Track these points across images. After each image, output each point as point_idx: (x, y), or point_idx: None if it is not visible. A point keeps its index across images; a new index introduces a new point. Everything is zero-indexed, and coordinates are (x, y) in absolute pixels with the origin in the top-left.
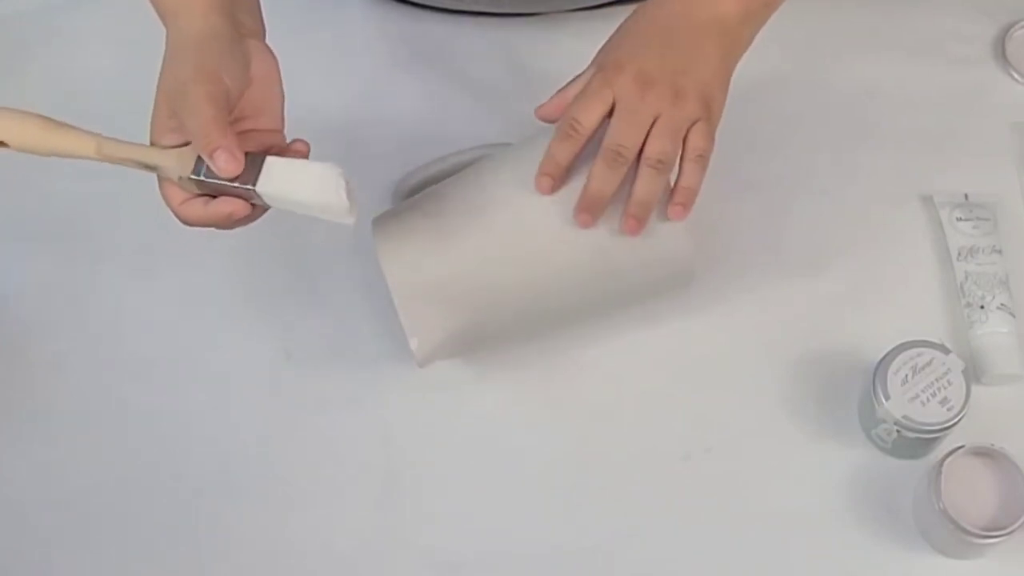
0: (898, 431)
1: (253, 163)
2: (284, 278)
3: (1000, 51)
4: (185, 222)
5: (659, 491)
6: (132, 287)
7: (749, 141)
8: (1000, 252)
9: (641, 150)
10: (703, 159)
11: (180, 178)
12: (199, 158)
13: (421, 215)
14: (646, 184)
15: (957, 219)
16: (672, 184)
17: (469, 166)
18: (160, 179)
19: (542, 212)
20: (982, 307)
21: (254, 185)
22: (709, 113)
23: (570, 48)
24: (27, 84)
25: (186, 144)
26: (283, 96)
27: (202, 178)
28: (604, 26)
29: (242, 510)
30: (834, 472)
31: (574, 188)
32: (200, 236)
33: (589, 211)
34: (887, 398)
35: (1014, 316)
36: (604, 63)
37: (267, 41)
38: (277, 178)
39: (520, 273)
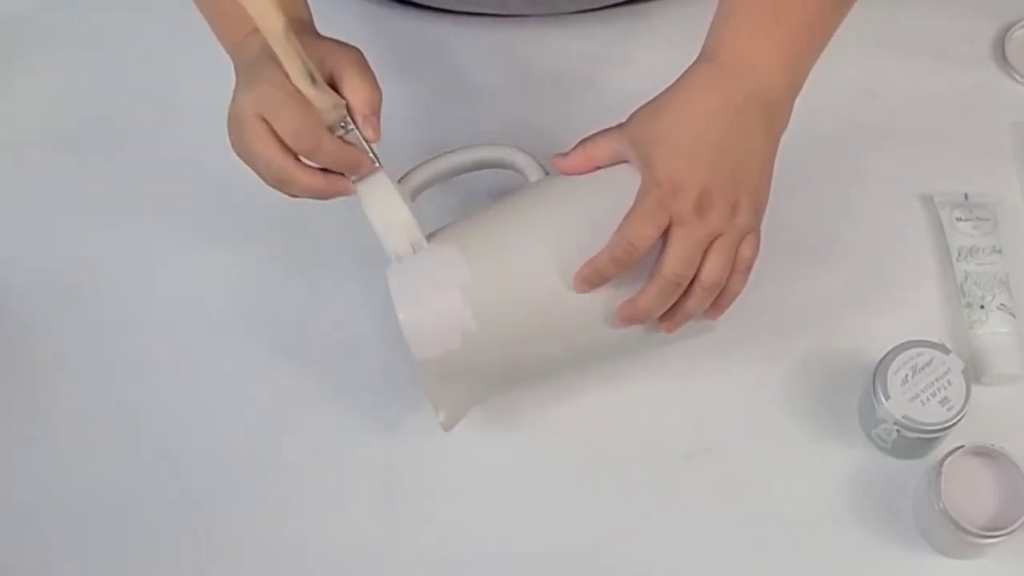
0: (898, 431)
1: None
2: (284, 278)
3: (1000, 51)
4: (308, 154)
5: (659, 491)
6: (132, 287)
7: None
8: (1000, 252)
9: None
10: (749, 270)
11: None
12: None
13: (445, 292)
14: (697, 303)
15: (957, 219)
16: None
17: (491, 217)
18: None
19: (579, 304)
20: (982, 307)
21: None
22: (759, 219)
23: (570, 49)
24: (27, 84)
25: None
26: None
27: (350, 128)
28: (603, 28)
29: (242, 510)
30: (834, 472)
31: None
32: (200, 236)
33: (630, 321)
34: (887, 398)
35: (1014, 316)
36: (658, 177)
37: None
38: (377, 197)
39: (549, 350)
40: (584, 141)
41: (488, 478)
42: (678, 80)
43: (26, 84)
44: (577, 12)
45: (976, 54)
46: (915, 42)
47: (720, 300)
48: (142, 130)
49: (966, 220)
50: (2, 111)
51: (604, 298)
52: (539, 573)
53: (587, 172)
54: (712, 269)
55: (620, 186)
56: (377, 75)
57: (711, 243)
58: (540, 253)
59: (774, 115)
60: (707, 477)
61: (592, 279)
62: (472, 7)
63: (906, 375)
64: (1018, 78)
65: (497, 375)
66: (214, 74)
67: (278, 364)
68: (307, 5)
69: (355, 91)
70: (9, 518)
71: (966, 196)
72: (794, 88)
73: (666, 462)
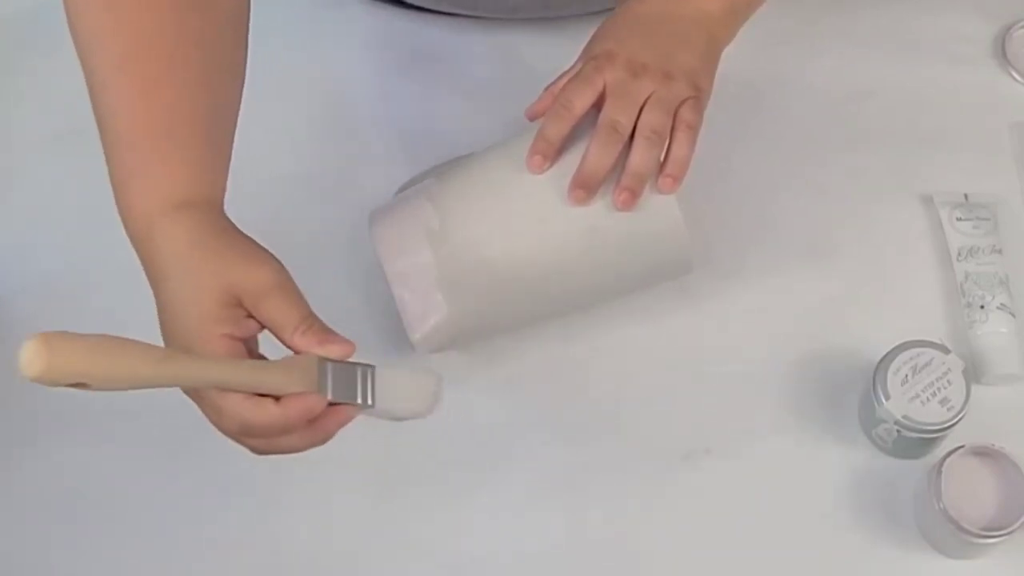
0: (898, 431)
1: (362, 373)
2: None
3: (1000, 51)
4: (265, 431)
5: (659, 491)
6: (132, 287)
7: (749, 141)
8: (1000, 252)
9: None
10: (692, 131)
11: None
12: (320, 369)
13: (415, 205)
14: (640, 155)
15: (957, 219)
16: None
17: (461, 157)
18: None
19: (536, 193)
20: (982, 307)
21: (371, 402)
22: (698, 93)
23: (570, 50)
24: (27, 84)
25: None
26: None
27: (330, 397)
28: None
29: (242, 510)
30: (834, 472)
31: (568, 170)
32: None
33: (584, 187)
34: (887, 398)
35: (1014, 316)
36: (594, 53)
37: (269, 44)
38: (390, 394)
39: (515, 254)
40: (549, 86)
41: (488, 478)
42: (625, 3)
43: (26, 84)
44: (577, 16)
45: (976, 54)
46: (915, 42)
47: (669, 166)
48: None
49: (966, 220)
50: (2, 111)
51: (560, 190)
52: (539, 573)
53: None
54: (647, 118)
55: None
56: (377, 75)
57: (646, 99)
58: (496, 163)
59: (711, 25)
60: (707, 477)
61: (540, 147)
62: (472, 9)
63: (906, 375)
64: (1018, 78)
65: (465, 288)
66: None
67: None
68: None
69: (289, 322)
70: (9, 518)
71: (966, 196)
72: (734, 11)
73: (666, 462)
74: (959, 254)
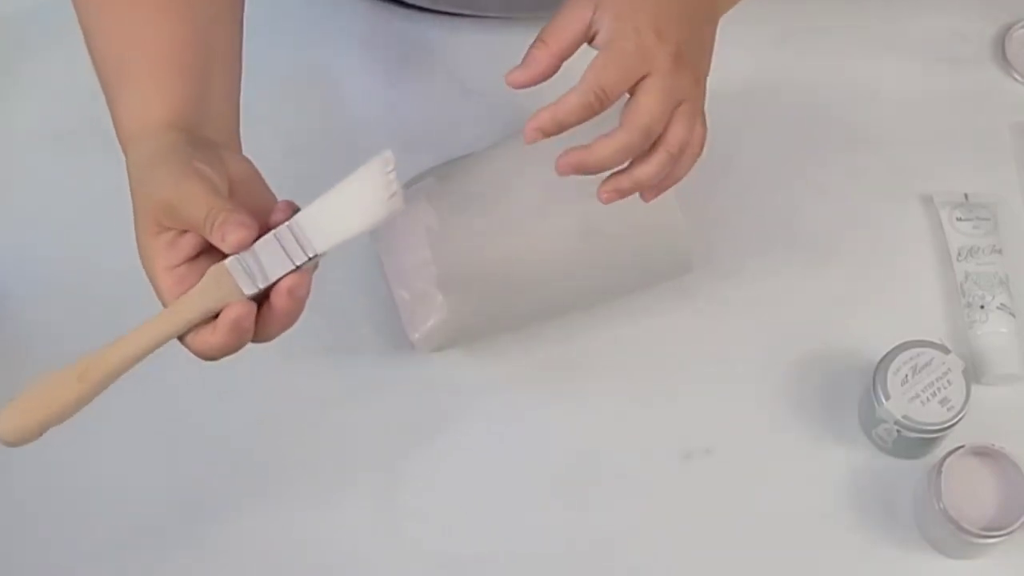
0: (898, 431)
1: (283, 235)
2: None
3: (1000, 51)
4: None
5: (659, 491)
6: (132, 287)
7: (749, 141)
8: (1000, 252)
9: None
10: (696, 158)
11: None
12: (234, 268)
13: (415, 205)
14: (656, 169)
15: (957, 219)
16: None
17: (461, 157)
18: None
19: (536, 193)
20: (982, 307)
21: (310, 255)
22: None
23: None
24: (27, 84)
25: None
26: (273, 198)
27: (259, 286)
28: None
29: (242, 510)
30: (834, 472)
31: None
32: None
33: (575, 166)
34: (887, 398)
35: (1014, 316)
36: (639, 24)
37: (268, 43)
38: (329, 225)
39: (515, 253)
40: (541, 33)
41: (488, 478)
42: None
43: (26, 84)
44: None
45: (976, 54)
46: (915, 42)
47: (661, 181)
48: None
49: (966, 220)
50: (2, 111)
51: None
52: (538, 573)
53: (555, 67)
54: (679, 132)
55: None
56: (377, 75)
57: (677, 105)
58: (498, 165)
59: (714, 9)
60: (707, 477)
61: (547, 127)
62: (473, 9)
63: (906, 375)
64: (1018, 78)
65: (465, 286)
66: None
67: (278, 363)
68: (221, 126)
69: (196, 220)
70: (9, 518)
71: (966, 196)
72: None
73: (666, 462)
74: (959, 254)
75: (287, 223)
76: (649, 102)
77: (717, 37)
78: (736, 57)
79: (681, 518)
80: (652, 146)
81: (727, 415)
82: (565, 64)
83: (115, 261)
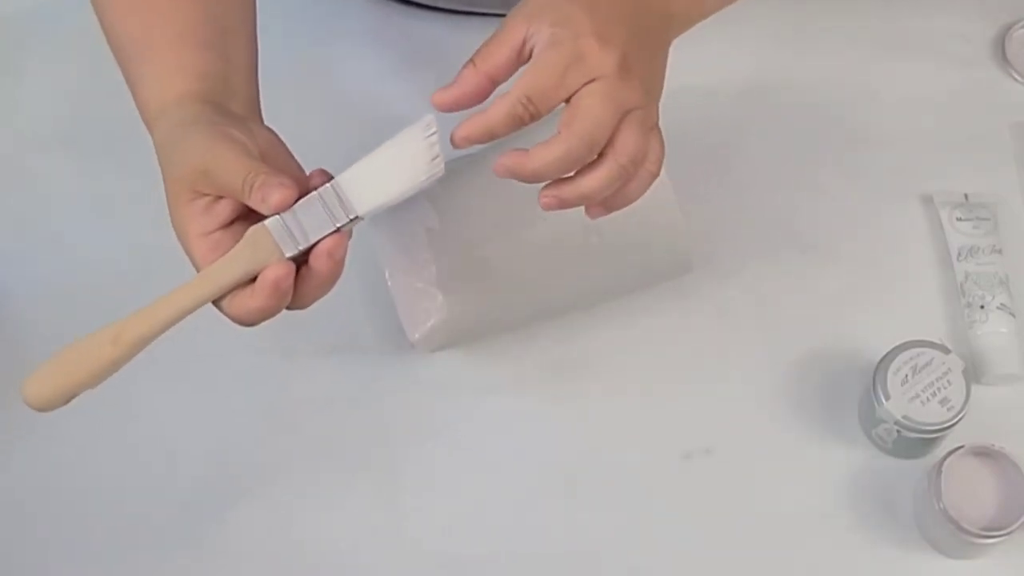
0: (898, 431)
1: (326, 195)
2: None
3: (1000, 51)
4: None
5: (659, 491)
6: (132, 287)
7: (749, 141)
8: (1000, 252)
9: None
10: (654, 177)
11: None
12: (275, 229)
13: (415, 205)
14: (602, 182)
15: (957, 219)
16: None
17: (461, 157)
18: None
19: (535, 192)
20: (982, 307)
21: (351, 216)
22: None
23: None
24: (27, 84)
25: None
26: (300, 168)
27: (300, 247)
28: None
29: (242, 510)
30: (834, 472)
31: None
32: None
33: (511, 169)
34: (887, 398)
35: (1014, 316)
36: (579, 28)
37: (271, 41)
38: (371, 188)
39: (514, 253)
40: (472, 58)
41: (488, 478)
42: None
43: (26, 84)
44: None
45: (976, 54)
46: (915, 42)
47: (612, 198)
48: (142, 130)
49: (966, 220)
50: (2, 111)
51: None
52: (538, 572)
53: (486, 89)
54: (628, 141)
55: None
56: (377, 75)
57: (625, 115)
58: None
59: (668, 23)
60: (707, 477)
61: (475, 135)
62: (475, 7)
63: (906, 375)
64: (1018, 78)
65: (464, 286)
66: None
67: (278, 363)
68: (244, 100)
69: (233, 187)
70: (9, 518)
71: (966, 196)
72: (690, 16)
73: (666, 462)
74: (959, 254)
75: (330, 183)
76: (591, 104)
77: (716, 36)
78: (736, 57)
79: (681, 518)
80: (600, 156)
81: (727, 415)
82: None
83: (115, 261)
